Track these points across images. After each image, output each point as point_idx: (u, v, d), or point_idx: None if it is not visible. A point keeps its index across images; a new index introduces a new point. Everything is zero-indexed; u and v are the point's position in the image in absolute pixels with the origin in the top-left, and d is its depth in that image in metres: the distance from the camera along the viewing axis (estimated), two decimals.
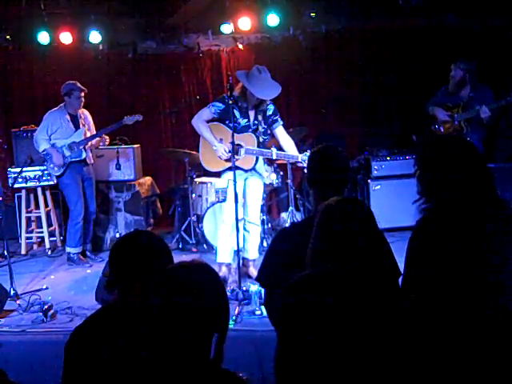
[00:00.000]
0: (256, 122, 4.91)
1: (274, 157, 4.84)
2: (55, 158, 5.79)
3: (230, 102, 4.60)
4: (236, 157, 4.76)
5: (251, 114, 4.92)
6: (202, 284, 1.66)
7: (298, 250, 2.35)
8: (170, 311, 1.62)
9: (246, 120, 4.89)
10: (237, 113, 4.84)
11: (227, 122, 4.85)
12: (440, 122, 5.67)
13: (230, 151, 4.72)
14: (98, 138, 5.93)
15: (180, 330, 1.61)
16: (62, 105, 5.90)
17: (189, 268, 1.70)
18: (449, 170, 2.10)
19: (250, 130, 4.90)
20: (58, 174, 5.86)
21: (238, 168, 4.80)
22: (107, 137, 5.96)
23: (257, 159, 4.99)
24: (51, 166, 5.85)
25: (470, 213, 2.05)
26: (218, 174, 5.20)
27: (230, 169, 4.74)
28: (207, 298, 1.64)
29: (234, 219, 4.49)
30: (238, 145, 4.84)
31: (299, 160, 4.71)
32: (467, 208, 2.06)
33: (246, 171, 4.99)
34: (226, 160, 4.86)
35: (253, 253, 5.16)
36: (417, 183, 2.22)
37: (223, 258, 5.06)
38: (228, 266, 5.10)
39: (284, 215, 6.55)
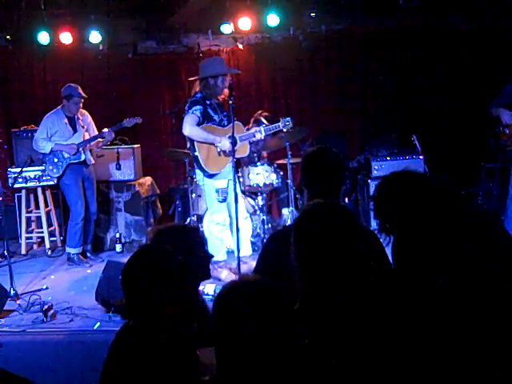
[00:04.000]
0: (225, 113, 5.05)
1: (263, 133, 5.08)
2: (67, 149, 5.79)
3: (202, 104, 4.83)
4: (235, 148, 4.90)
5: (218, 108, 5.03)
6: (267, 297, 1.57)
7: (288, 253, 2.33)
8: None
9: (217, 115, 5.01)
10: (210, 111, 4.95)
11: (206, 123, 4.94)
12: (505, 124, 5.34)
13: (230, 142, 4.80)
14: (97, 140, 5.93)
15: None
16: (59, 107, 5.90)
17: (249, 284, 1.61)
18: (410, 207, 2.03)
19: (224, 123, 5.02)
20: (57, 175, 5.85)
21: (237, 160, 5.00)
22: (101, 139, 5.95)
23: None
24: (50, 167, 5.85)
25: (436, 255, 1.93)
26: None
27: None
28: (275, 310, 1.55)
29: (228, 218, 4.52)
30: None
31: (281, 127, 5.14)
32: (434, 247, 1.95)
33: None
34: (226, 155, 4.95)
35: (246, 249, 5.17)
36: (376, 217, 2.14)
37: (217, 256, 5.07)
38: (226, 264, 5.12)
39: (285, 211, 6.54)
